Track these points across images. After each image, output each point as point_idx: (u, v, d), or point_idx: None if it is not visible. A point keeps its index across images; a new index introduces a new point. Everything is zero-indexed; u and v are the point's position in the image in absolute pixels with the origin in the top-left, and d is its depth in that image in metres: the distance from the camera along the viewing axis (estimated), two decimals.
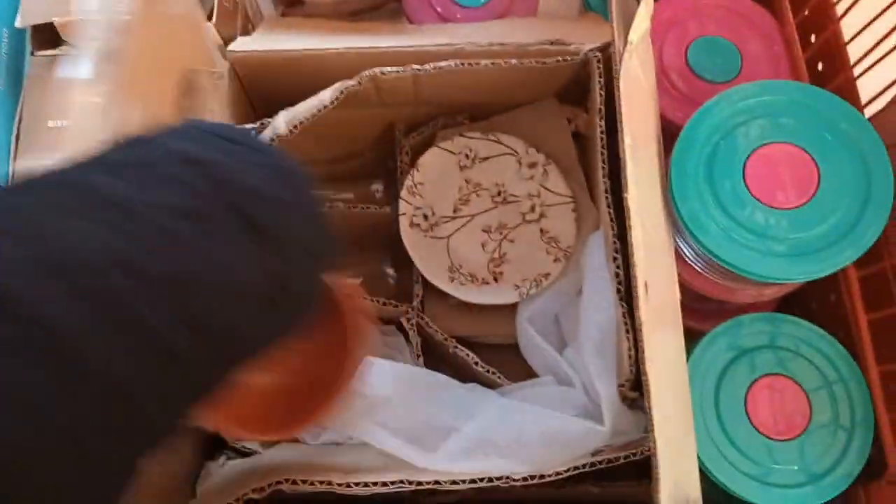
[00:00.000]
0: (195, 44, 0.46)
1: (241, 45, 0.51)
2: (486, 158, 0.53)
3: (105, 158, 0.25)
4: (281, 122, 0.44)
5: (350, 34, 0.58)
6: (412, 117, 0.53)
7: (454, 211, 0.52)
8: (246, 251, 0.25)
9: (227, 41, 0.54)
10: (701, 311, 0.53)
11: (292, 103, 0.47)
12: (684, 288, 0.43)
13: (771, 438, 0.46)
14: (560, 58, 0.43)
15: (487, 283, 0.50)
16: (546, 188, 0.52)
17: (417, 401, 0.39)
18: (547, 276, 0.49)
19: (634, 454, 0.37)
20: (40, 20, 0.49)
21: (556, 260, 0.50)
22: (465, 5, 0.64)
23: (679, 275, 0.42)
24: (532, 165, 0.52)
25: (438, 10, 0.64)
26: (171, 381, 0.23)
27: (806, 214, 0.42)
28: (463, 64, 0.43)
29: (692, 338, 0.45)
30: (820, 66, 0.57)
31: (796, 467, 0.45)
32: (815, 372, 0.47)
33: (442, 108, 0.52)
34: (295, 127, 0.43)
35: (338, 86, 0.43)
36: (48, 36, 0.52)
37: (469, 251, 0.51)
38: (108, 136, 0.27)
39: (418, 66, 0.43)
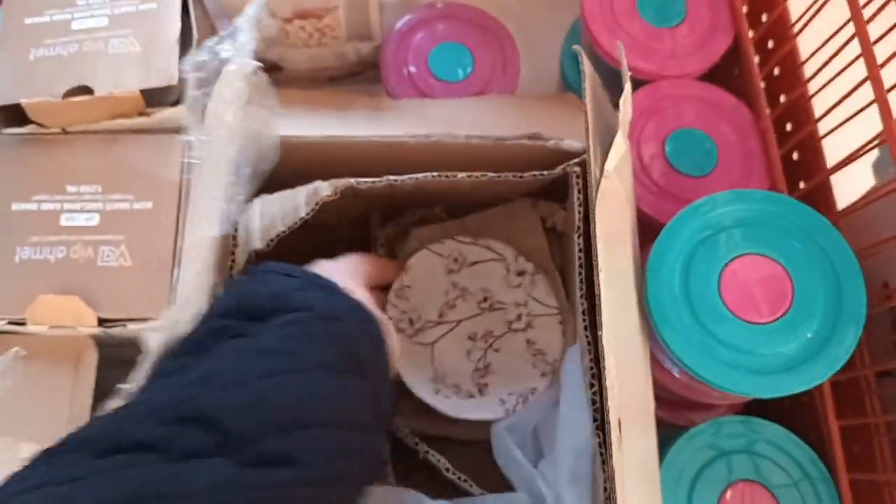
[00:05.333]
0: None
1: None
2: (474, 263, 0.52)
3: (264, 327, 0.32)
4: (256, 238, 0.43)
5: (327, 112, 0.57)
6: (388, 207, 0.52)
7: (440, 315, 0.51)
8: (361, 389, 0.32)
9: (200, 118, 0.53)
10: (670, 402, 0.53)
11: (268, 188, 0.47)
12: (654, 383, 0.43)
13: None
14: (537, 173, 0.43)
15: (472, 396, 0.49)
16: (534, 298, 0.51)
17: None
18: (533, 391, 0.48)
19: None
20: (7, 101, 0.48)
21: (542, 374, 0.49)
22: (445, 80, 0.64)
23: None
24: (520, 273, 0.51)
25: (418, 84, 0.64)
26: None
27: (781, 329, 0.42)
28: (438, 176, 0.43)
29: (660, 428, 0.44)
30: (795, 156, 0.57)
31: None
32: (786, 476, 0.47)
33: (415, 198, 0.51)
34: (272, 241, 0.43)
35: (312, 195, 0.42)
36: (13, 115, 0.51)
37: (454, 359, 0.50)
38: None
39: (394, 178, 0.42)
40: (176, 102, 0.51)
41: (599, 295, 0.33)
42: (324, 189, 0.43)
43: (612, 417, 0.32)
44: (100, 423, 0.29)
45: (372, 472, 0.34)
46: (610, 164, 0.35)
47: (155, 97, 0.50)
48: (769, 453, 0.48)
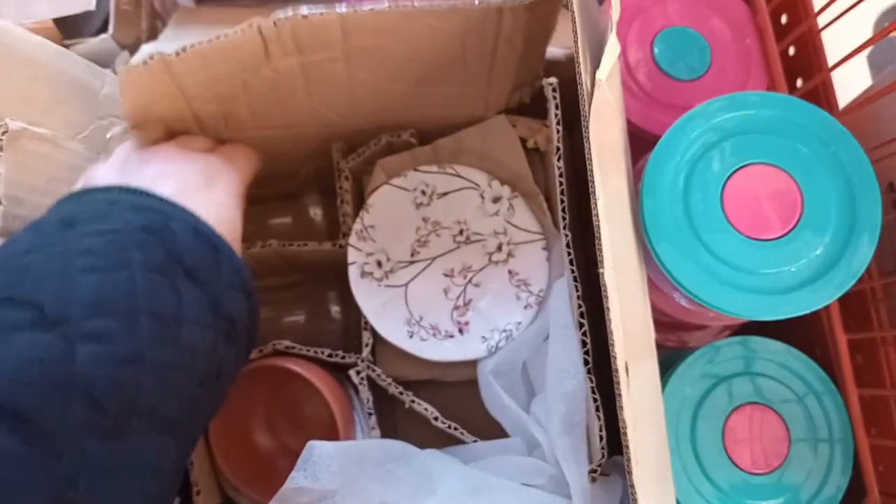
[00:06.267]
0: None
1: (142, 59, 0.44)
2: (444, 194, 0.47)
3: (85, 227, 0.31)
4: (171, 45, 0.38)
5: None
6: (350, 133, 0.46)
7: (412, 255, 0.47)
8: (191, 293, 0.32)
9: (130, 49, 0.47)
10: (662, 324, 0.50)
11: None
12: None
13: (752, 473, 0.43)
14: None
15: (451, 336, 0.45)
16: (513, 224, 0.46)
17: (369, 483, 0.35)
18: (518, 325, 0.44)
19: None
20: None
21: (527, 307, 0.45)
22: None
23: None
24: (496, 200, 0.46)
25: None
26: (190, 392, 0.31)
27: (791, 244, 0.38)
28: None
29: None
30: (792, 51, 0.53)
31: (781, 500, 0.43)
32: (790, 392, 0.45)
33: (379, 117, 0.46)
34: (184, 49, 0.37)
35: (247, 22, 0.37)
36: None
37: (430, 299, 0.46)
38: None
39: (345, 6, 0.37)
40: (99, 32, 0.44)
41: (598, 226, 0.29)
42: (260, 21, 0.37)
43: (620, 363, 0.28)
44: None
45: (222, 372, 0.34)
46: (603, 73, 0.30)
47: (72, 27, 0.44)
48: (771, 371, 0.45)
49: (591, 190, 0.29)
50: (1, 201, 0.38)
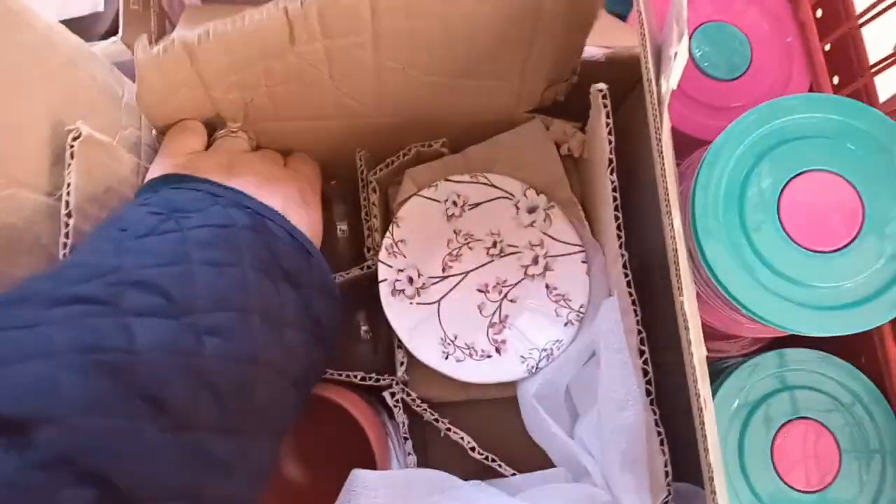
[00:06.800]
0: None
1: (163, 45, 0.41)
2: (477, 205, 0.44)
3: (196, 218, 0.32)
4: (191, 33, 0.36)
5: None
6: (375, 130, 0.44)
7: (444, 269, 0.44)
8: (290, 295, 0.33)
9: None
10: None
11: None
12: None
13: (806, 492, 0.42)
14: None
15: (489, 356, 0.42)
16: (550, 236, 0.44)
17: None
18: (559, 343, 0.42)
19: None
20: None
21: (567, 323, 0.42)
22: None
23: None
24: (532, 210, 0.44)
25: None
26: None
27: (851, 256, 0.37)
28: None
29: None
30: (827, 48, 0.50)
31: None
32: (836, 403, 0.43)
33: (405, 109, 0.43)
34: (207, 34, 0.36)
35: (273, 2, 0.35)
36: None
37: (464, 316, 0.43)
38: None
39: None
40: (107, 34, 0.41)
41: (676, 251, 0.26)
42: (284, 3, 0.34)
43: (702, 401, 0.26)
44: (37, 282, 0.28)
45: (311, 374, 0.35)
46: (674, 80, 0.28)
47: (79, 30, 0.41)
48: (814, 383, 0.44)
49: (664, 209, 0.27)
50: (71, 214, 0.35)
